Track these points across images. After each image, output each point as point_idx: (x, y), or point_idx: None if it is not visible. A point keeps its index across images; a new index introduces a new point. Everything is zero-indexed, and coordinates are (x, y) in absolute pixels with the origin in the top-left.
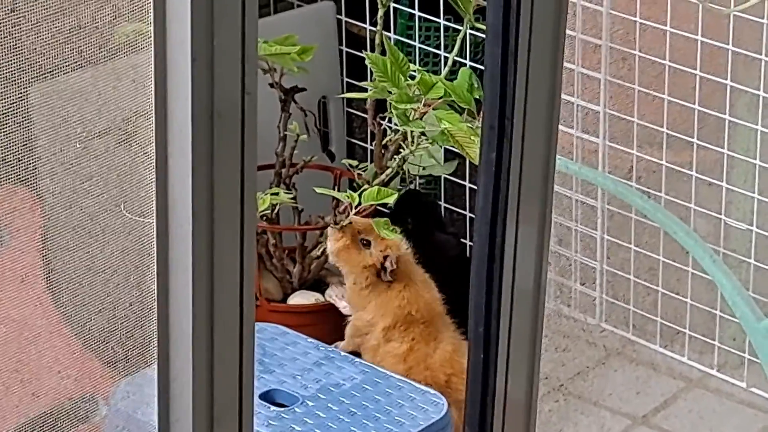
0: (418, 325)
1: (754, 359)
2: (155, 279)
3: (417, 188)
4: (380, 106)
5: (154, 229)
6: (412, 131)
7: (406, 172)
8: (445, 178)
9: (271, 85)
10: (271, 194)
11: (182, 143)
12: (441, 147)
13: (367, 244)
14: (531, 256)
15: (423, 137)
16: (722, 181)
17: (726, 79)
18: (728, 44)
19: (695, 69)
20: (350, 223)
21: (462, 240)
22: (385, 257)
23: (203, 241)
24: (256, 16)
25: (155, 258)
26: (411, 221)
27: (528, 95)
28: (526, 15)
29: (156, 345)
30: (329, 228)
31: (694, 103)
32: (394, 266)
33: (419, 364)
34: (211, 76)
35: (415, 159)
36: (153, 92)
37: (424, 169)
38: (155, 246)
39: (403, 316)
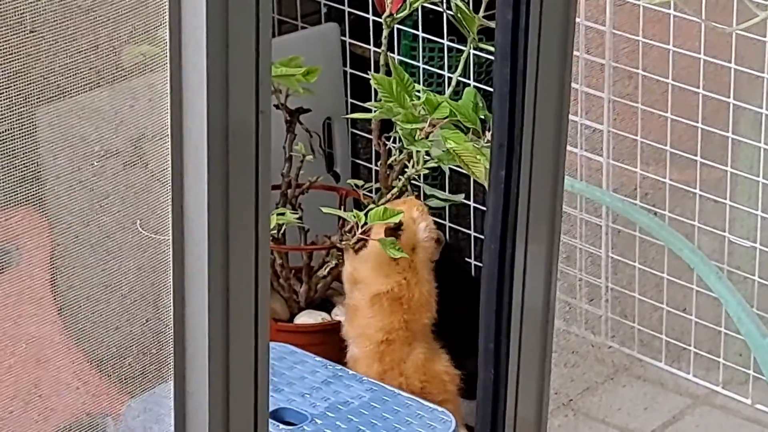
0: (401, 319)
1: (760, 376)
2: (171, 296)
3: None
4: (385, 126)
5: (170, 246)
6: (417, 151)
7: (410, 192)
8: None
9: (277, 107)
10: (278, 214)
11: (197, 162)
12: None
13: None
14: (540, 273)
15: (428, 157)
16: (726, 199)
17: (729, 98)
18: (731, 63)
19: (698, 87)
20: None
21: (467, 259)
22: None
23: (218, 257)
24: (270, 36)
25: (171, 275)
26: None
27: (536, 114)
28: (534, 35)
29: (169, 362)
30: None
31: (697, 122)
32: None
33: (393, 369)
34: (225, 96)
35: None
36: (168, 111)
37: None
38: (171, 263)
39: (395, 296)
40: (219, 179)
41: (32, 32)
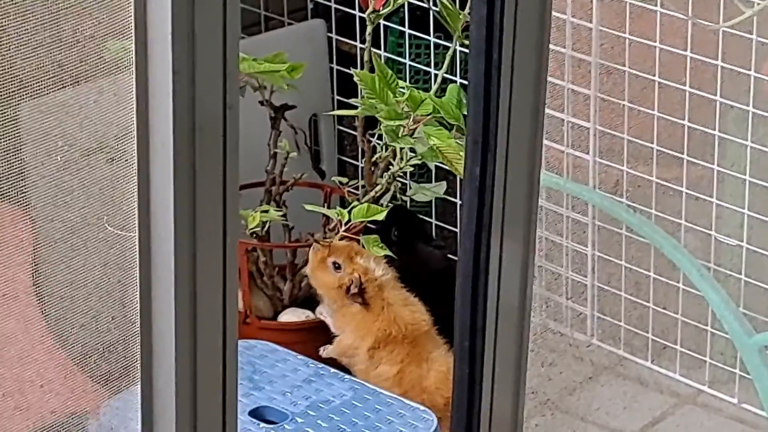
0: (404, 345)
1: (745, 375)
2: (138, 294)
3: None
4: (370, 123)
5: (137, 243)
6: (401, 148)
7: (396, 189)
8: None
9: (261, 103)
10: (262, 212)
11: (164, 157)
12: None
13: (338, 267)
14: (516, 270)
15: (412, 154)
16: (711, 196)
17: (715, 95)
18: (717, 60)
19: (684, 84)
20: (327, 244)
21: (450, 256)
22: (351, 281)
23: (185, 255)
24: (238, 30)
25: (138, 272)
26: (396, 233)
27: (512, 110)
28: (509, 30)
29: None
30: (311, 248)
31: (683, 119)
32: (356, 289)
33: (414, 388)
34: (192, 91)
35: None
36: (135, 106)
37: (412, 192)
38: (137, 261)
39: (384, 337)
40: (185, 175)
41: None
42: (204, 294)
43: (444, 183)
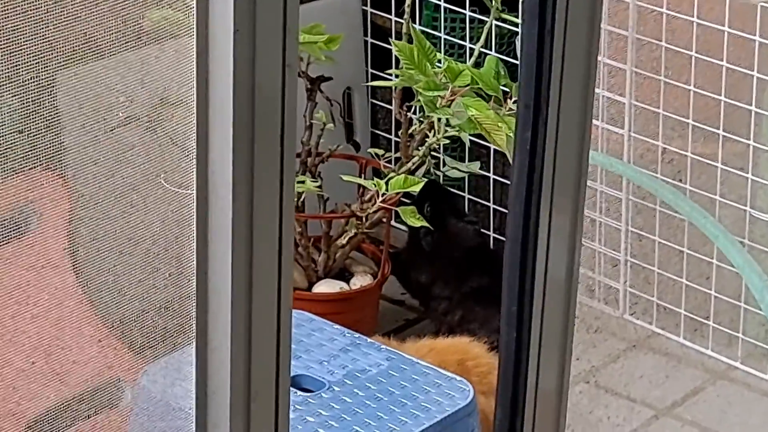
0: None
1: None
2: (194, 250)
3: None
4: (405, 96)
5: (194, 200)
6: (438, 119)
7: (430, 164)
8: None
9: (298, 74)
10: (297, 182)
11: (223, 116)
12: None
13: None
14: (565, 235)
15: (448, 126)
16: (748, 172)
17: (753, 70)
18: (755, 35)
19: (722, 60)
20: None
21: (483, 231)
22: None
23: (243, 212)
24: None
25: (195, 229)
26: (429, 208)
27: (564, 75)
28: None
29: (190, 323)
30: None
31: (720, 94)
32: None
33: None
34: (252, 49)
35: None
36: (195, 64)
37: (447, 169)
38: (195, 217)
39: None
40: (244, 133)
41: None
42: (260, 249)
43: (478, 162)
